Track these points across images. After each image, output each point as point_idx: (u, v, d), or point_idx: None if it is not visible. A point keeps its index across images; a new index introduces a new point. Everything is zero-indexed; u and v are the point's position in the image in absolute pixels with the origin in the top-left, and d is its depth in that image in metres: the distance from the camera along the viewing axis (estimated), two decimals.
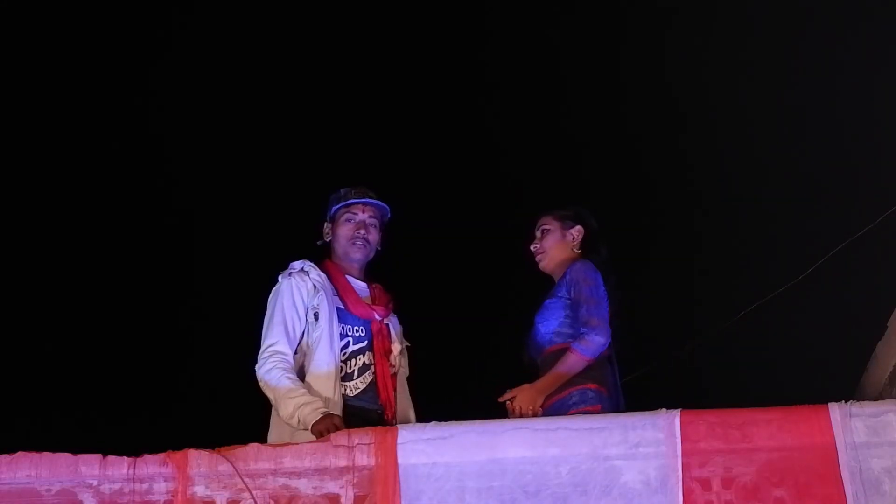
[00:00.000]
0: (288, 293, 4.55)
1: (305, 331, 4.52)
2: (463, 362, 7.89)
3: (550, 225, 4.80)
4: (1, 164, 8.10)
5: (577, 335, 4.48)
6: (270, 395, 4.41)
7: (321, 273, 4.64)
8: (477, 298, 8.16)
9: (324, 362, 4.47)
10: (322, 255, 4.81)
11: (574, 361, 4.42)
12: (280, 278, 4.63)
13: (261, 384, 4.45)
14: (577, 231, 4.77)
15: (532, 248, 4.83)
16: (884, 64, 6.73)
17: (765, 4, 7.95)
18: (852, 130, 7.45)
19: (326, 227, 4.81)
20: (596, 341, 4.43)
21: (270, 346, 4.47)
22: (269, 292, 4.65)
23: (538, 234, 4.83)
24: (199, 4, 8.40)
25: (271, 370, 4.41)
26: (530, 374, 4.63)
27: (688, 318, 7.24)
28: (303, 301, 4.54)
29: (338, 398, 4.42)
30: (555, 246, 4.78)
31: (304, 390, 4.36)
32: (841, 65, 7.55)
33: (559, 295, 4.62)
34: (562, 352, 4.49)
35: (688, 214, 8.35)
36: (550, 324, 4.59)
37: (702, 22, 8.04)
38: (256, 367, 4.48)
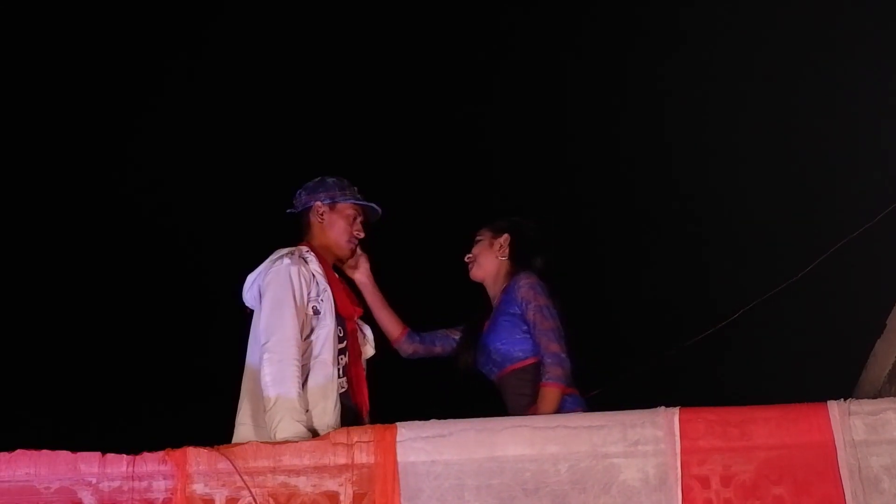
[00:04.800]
0: (297, 280, 4.34)
1: (304, 324, 4.34)
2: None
3: (483, 235, 4.87)
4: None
5: (540, 358, 4.50)
6: (272, 395, 4.16)
7: (319, 264, 4.46)
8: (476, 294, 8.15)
9: (329, 361, 4.34)
10: (297, 232, 4.65)
11: (555, 395, 4.44)
12: (287, 259, 4.40)
13: (267, 376, 4.20)
14: (503, 239, 4.82)
15: (466, 258, 4.88)
16: (880, 63, 6.74)
17: (758, 7, 7.97)
18: (851, 128, 7.45)
19: (322, 206, 4.60)
20: (564, 367, 4.49)
21: (285, 341, 4.22)
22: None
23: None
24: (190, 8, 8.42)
25: (288, 376, 4.18)
26: (490, 385, 4.69)
27: (687, 316, 7.24)
28: (307, 291, 4.36)
29: (336, 398, 4.33)
30: (481, 253, 4.83)
31: (306, 419, 4.19)
32: (837, 63, 7.55)
33: (510, 312, 4.64)
34: (528, 368, 4.54)
35: (688, 211, 8.35)
36: (510, 342, 4.61)
37: (697, 24, 8.04)
38: (268, 356, 4.21)
